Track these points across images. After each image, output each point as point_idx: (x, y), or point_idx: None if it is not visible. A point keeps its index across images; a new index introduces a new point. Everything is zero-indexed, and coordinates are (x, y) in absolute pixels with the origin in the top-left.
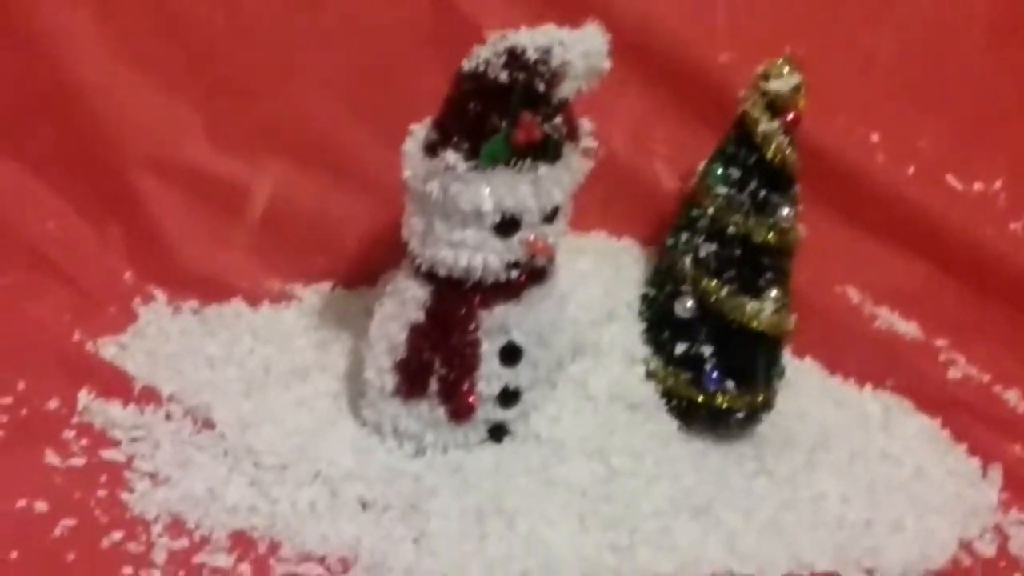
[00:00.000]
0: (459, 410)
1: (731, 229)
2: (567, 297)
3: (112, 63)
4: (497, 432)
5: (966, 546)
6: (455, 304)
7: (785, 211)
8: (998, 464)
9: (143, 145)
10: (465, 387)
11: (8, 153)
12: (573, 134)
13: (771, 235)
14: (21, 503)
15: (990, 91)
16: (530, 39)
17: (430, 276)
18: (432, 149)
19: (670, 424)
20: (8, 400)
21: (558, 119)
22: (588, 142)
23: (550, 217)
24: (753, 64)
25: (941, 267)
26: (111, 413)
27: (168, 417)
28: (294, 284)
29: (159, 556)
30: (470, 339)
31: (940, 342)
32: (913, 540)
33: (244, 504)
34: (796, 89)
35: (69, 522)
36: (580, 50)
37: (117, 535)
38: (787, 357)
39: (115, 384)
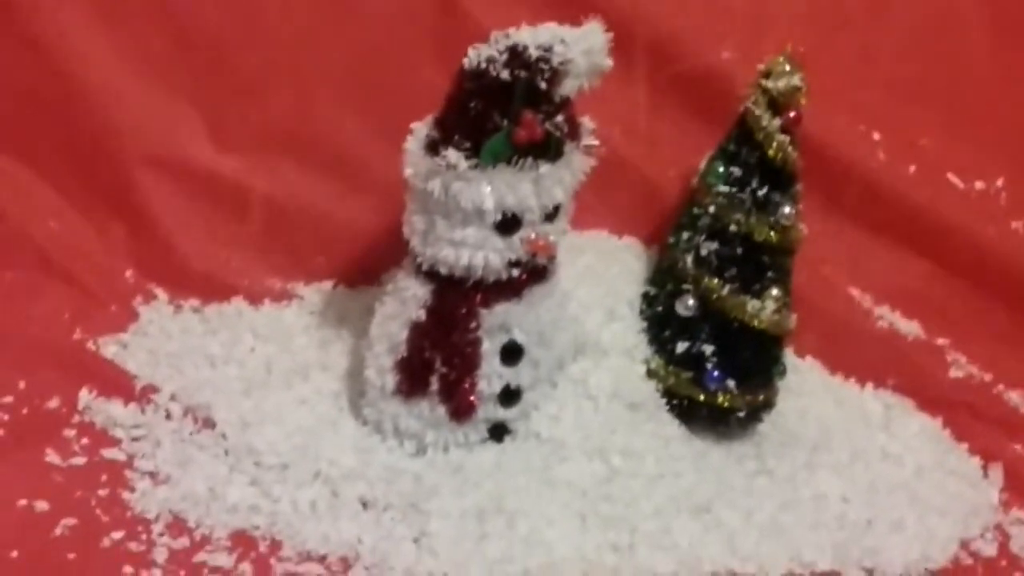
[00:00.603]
0: (460, 409)
1: (732, 228)
2: (568, 296)
3: (114, 62)
4: (498, 431)
5: (967, 545)
6: (456, 303)
7: (786, 210)
8: (999, 464)
9: (145, 144)
10: (466, 386)
11: (10, 151)
12: (574, 132)
13: (772, 234)
14: (22, 502)
15: (991, 89)
16: (531, 37)
17: (431, 275)
18: (433, 147)
19: (671, 423)
20: (9, 399)
21: (559, 117)
22: (589, 140)
23: (551, 216)
24: (755, 62)
25: (942, 266)
26: (112, 412)
27: (169, 416)
28: (295, 283)
29: (160, 555)
30: (471, 338)
31: (941, 341)
32: (914, 539)
33: (245, 503)
34: (797, 87)
35: (70, 521)
36: (581, 48)
37: (118, 534)
38: (788, 356)
39: (116, 383)
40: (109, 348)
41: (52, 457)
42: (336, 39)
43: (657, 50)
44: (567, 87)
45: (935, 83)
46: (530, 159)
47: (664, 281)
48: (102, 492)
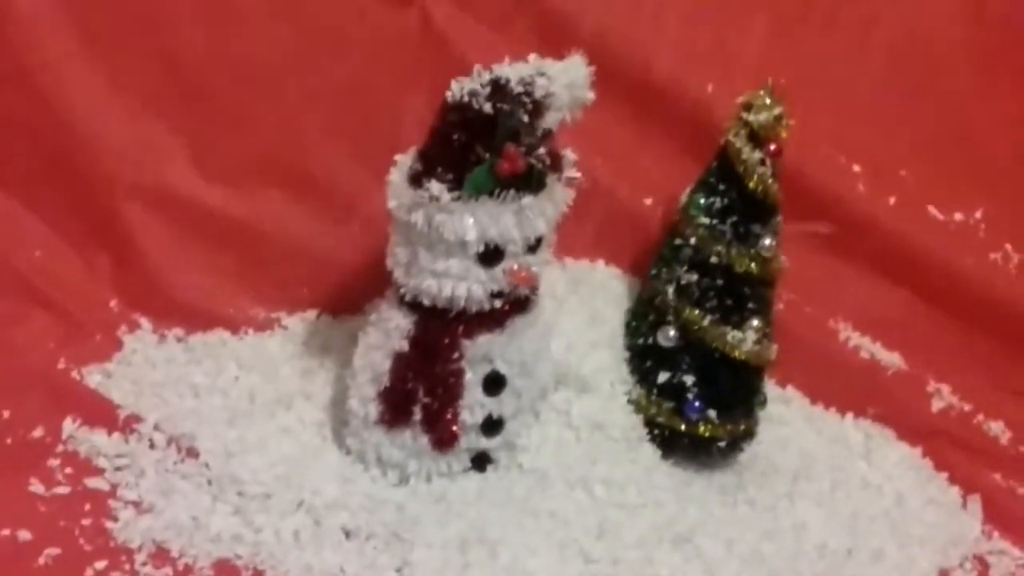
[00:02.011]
0: (442, 439)
1: (713, 259)
2: (550, 326)
3: (100, 92)
4: (480, 461)
5: (946, 575)
6: (439, 333)
7: (767, 241)
8: (978, 493)
9: (130, 174)
10: (448, 416)
11: None
12: (557, 165)
13: (753, 265)
14: (5, 532)
15: (971, 122)
16: (514, 71)
17: (414, 305)
18: (417, 179)
19: (652, 453)
20: None
21: (542, 150)
22: (572, 172)
23: (534, 247)
24: (737, 95)
25: (922, 296)
26: (96, 441)
27: (152, 446)
28: (279, 312)
29: None
30: (454, 368)
31: (922, 372)
32: (893, 569)
33: (228, 533)
34: (778, 119)
35: (53, 551)
36: (563, 81)
37: (101, 564)
38: (769, 386)
39: (100, 412)
40: (93, 377)
41: (36, 486)
42: (321, 71)
43: (640, 83)
44: (549, 120)
45: (915, 115)
46: (512, 191)
47: (646, 312)
48: (85, 521)
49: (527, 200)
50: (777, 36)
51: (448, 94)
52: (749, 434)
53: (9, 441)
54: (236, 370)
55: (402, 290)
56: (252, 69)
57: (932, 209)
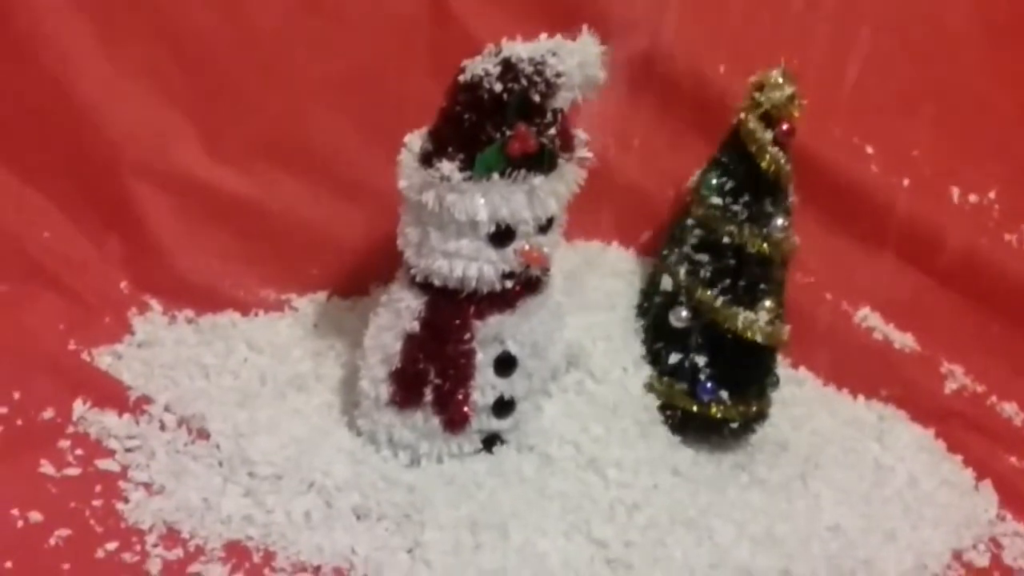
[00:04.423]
0: (454, 420)
1: (725, 239)
2: (561, 307)
3: (109, 73)
4: (491, 442)
5: (959, 556)
6: (450, 314)
7: (779, 221)
8: (992, 475)
9: (139, 155)
10: (460, 397)
11: (5, 163)
12: (568, 144)
13: (765, 245)
14: (15, 513)
15: (985, 102)
16: (525, 50)
17: (425, 286)
18: (427, 159)
19: (664, 434)
20: (3, 410)
21: (553, 130)
22: (583, 152)
23: (545, 227)
24: (749, 74)
25: (936, 278)
26: (106, 423)
27: (163, 427)
28: (289, 294)
29: (154, 566)
30: (465, 349)
31: (936, 353)
32: (907, 550)
33: (239, 514)
34: (790, 99)
35: (64, 532)
36: (575, 61)
37: (112, 545)
38: (782, 367)
39: (110, 394)
40: (103, 359)
41: (46, 468)
42: (331, 51)
43: (652, 62)
44: (561, 100)
45: (928, 96)
46: (524, 171)
47: (657, 293)
48: (96, 503)
49: (538, 180)
50: (789, 15)
51: (459, 74)
52: (761, 415)
53: (20, 423)
54: (246, 351)
55: (413, 271)
56: (261, 50)
57: (946, 189)
